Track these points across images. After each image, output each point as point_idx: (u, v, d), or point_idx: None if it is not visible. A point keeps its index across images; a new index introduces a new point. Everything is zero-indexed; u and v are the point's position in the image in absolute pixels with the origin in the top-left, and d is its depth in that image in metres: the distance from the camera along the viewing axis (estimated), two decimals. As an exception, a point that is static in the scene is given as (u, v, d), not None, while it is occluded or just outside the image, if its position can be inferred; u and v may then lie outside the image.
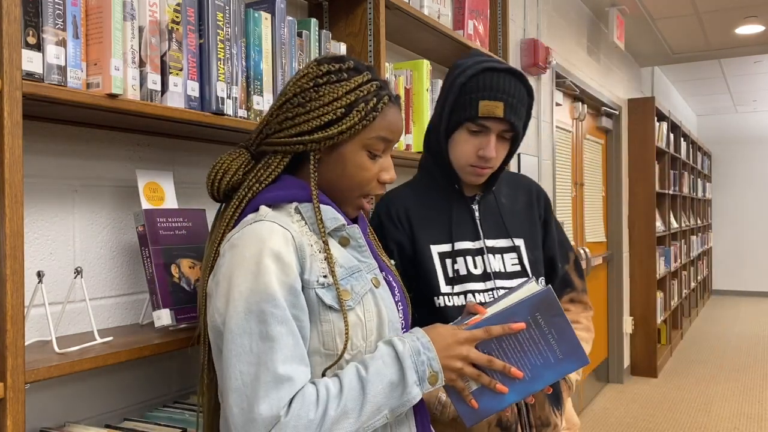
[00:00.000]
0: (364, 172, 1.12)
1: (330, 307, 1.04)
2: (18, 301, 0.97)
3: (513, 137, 1.47)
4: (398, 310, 1.18)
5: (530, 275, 1.51)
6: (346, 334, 1.04)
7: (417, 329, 1.10)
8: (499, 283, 1.48)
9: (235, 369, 0.97)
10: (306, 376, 1.00)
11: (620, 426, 4.46)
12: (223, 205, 1.17)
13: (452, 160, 1.48)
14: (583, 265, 4.57)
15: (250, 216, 1.08)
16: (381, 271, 1.18)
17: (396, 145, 2.02)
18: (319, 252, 1.07)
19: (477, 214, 1.53)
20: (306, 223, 1.09)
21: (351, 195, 1.15)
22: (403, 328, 1.18)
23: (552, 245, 1.61)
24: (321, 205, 1.11)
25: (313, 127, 1.08)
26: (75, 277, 1.25)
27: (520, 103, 1.42)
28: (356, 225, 1.15)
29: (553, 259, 1.61)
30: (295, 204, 1.11)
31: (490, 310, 1.17)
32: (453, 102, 1.43)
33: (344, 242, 1.13)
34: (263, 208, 1.08)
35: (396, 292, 1.20)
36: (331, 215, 1.11)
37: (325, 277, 1.05)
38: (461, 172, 1.48)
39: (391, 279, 1.21)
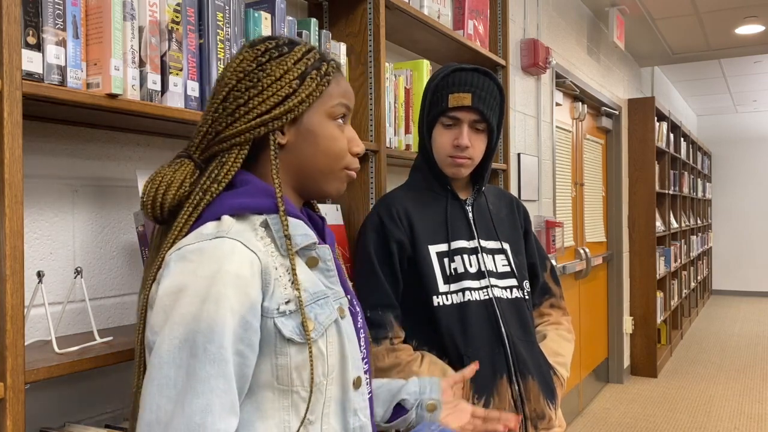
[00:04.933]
0: (337, 143, 1.04)
1: (289, 340, 0.92)
2: (18, 301, 0.97)
3: (488, 131, 1.56)
4: (360, 338, 1.07)
5: (517, 276, 1.60)
6: (311, 365, 0.93)
7: None
8: (494, 281, 1.54)
9: (153, 400, 0.85)
10: (227, 430, 0.86)
11: (620, 426, 4.46)
12: (162, 227, 1.02)
13: (435, 158, 1.57)
14: (583, 265, 4.57)
15: (211, 226, 0.94)
16: (346, 295, 1.06)
17: (396, 145, 2.03)
18: (286, 273, 0.95)
19: (471, 215, 1.60)
20: (273, 240, 0.96)
21: (332, 170, 1.05)
22: (363, 359, 1.07)
23: (533, 253, 1.72)
24: (291, 219, 0.99)
25: (271, 105, 0.99)
26: (75, 277, 1.25)
27: (489, 96, 1.52)
28: (327, 245, 1.04)
29: (534, 265, 1.72)
30: (263, 216, 0.98)
31: None
32: (429, 102, 1.55)
33: (312, 263, 1.00)
34: (226, 219, 0.95)
35: (359, 317, 1.09)
36: (302, 231, 0.99)
37: (287, 303, 0.93)
38: (443, 165, 1.57)
39: (355, 303, 1.10)
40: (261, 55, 1.01)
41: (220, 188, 0.98)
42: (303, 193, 1.08)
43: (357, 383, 1.01)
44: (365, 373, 1.06)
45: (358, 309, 1.10)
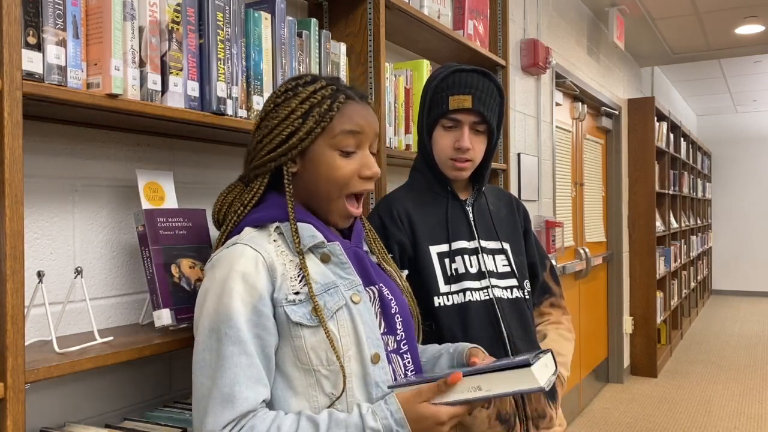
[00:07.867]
0: (337, 171, 1.15)
1: (298, 324, 1.07)
2: (18, 301, 0.97)
3: (488, 132, 1.55)
4: (396, 321, 1.19)
5: (517, 276, 1.59)
6: (332, 346, 1.07)
7: (393, 401, 1.04)
8: (494, 281, 1.54)
9: (197, 380, 1.05)
10: (256, 398, 1.03)
11: (620, 426, 4.46)
12: None
13: (436, 159, 1.57)
14: (583, 265, 4.57)
15: (233, 238, 1.14)
16: (375, 285, 1.19)
17: (396, 145, 2.03)
18: (295, 268, 1.11)
19: (471, 215, 1.60)
20: (285, 242, 1.14)
21: (333, 198, 1.17)
22: (402, 341, 1.18)
23: (533, 253, 1.71)
24: (300, 223, 1.15)
25: (277, 143, 1.15)
26: (75, 277, 1.25)
27: (489, 97, 1.52)
28: (337, 242, 1.17)
29: (534, 265, 1.71)
30: (276, 224, 1.15)
31: (473, 382, 1.05)
32: (429, 103, 1.54)
33: (325, 259, 1.15)
34: (246, 230, 1.15)
35: (393, 304, 1.20)
36: (310, 233, 1.14)
37: (296, 294, 1.09)
38: (444, 167, 1.57)
39: (386, 293, 1.20)
40: (279, 96, 1.18)
41: (246, 210, 1.18)
42: (318, 215, 1.20)
43: (375, 359, 1.12)
44: (396, 349, 1.17)
45: (392, 296, 1.21)
